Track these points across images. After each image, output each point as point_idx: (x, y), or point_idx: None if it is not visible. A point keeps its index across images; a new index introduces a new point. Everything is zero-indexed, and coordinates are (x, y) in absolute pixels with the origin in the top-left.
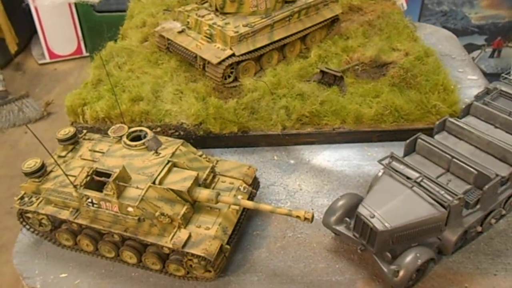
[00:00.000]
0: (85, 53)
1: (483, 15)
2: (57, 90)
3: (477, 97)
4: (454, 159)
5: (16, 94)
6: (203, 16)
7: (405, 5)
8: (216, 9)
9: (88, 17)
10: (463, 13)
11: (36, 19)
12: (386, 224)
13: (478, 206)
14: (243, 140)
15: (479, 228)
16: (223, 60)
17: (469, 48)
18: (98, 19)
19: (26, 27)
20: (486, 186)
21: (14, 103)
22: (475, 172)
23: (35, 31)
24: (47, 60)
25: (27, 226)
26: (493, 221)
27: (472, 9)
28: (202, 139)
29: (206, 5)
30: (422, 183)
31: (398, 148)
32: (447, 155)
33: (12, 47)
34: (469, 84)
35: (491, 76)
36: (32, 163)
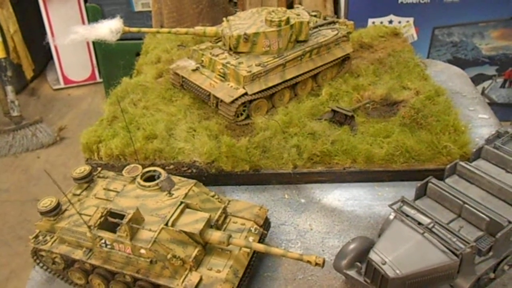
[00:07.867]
0: (98, 79)
1: (494, 46)
2: (70, 115)
3: (488, 141)
4: (466, 205)
5: (30, 119)
6: (217, 55)
7: (415, 35)
8: (230, 49)
9: (104, 45)
10: (474, 44)
11: (52, 45)
12: (398, 272)
13: (491, 253)
14: (254, 178)
15: (492, 275)
16: (236, 99)
17: (480, 78)
18: (113, 47)
19: (42, 53)
20: (499, 234)
21: (28, 128)
22: (488, 219)
23: (51, 57)
24: (62, 85)
25: (40, 264)
26: (506, 267)
27: (482, 40)
28: (214, 177)
29: (220, 43)
30: (433, 229)
31: (408, 188)
32: (459, 201)
33: (28, 73)
34: (480, 123)
35: (502, 106)
36: (47, 202)
